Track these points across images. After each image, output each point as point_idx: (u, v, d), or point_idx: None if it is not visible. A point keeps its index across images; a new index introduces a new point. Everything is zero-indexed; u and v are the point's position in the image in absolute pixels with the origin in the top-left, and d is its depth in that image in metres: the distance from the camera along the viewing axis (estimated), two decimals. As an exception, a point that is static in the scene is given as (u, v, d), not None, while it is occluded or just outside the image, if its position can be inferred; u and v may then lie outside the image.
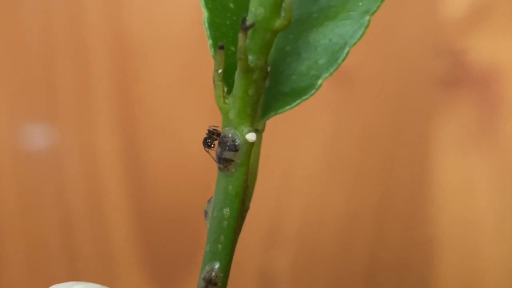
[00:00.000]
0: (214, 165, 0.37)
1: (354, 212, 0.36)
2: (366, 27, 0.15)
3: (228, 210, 0.15)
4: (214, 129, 0.15)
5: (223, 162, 0.15)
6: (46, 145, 0.38)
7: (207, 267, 0.16)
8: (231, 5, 0.16)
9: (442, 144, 0.35)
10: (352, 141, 0.36)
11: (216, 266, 0.16)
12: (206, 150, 0.15)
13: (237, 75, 0.14)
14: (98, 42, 0.37)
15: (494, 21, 0.34)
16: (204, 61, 0.36)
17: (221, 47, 0.14)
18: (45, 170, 0.38)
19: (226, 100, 0.15)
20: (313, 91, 0.15)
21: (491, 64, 0.34)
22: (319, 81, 0.15)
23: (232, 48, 0.15)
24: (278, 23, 0.14)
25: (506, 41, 0.34)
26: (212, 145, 0.15)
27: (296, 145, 0.36)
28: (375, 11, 0.15)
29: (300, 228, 0.36)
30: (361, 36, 0.15)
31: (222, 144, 0.15)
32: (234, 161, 0.15)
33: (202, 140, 0.38)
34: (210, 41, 0.15)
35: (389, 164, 0.36)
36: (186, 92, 0.37)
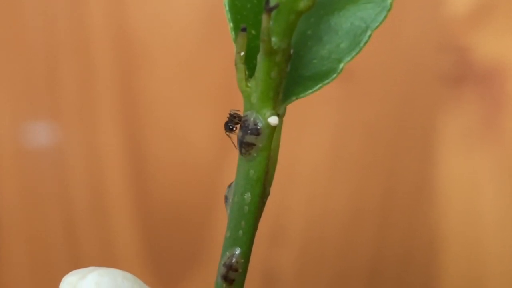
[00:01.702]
0: (218, 164, 0.37)
1: (358, 209, 0.36)
2: (389, 10, 0.15)
3: (250, 195, 0.15)
4: (235, 113, 0.15)
5: (245, 146, 0.15)
6: (49, 143, 0.38)
7: (227, 253, 0.15)
8: (252, -12, 0.15)
9: (446, 140, 0.35)
10: (356, 138, 0.36)
11: (237, 252, 0.15)
12: (227, 134, 0.15)
13: (260, 57, 0.14)
14: (100, 40, 0.37)
15: (499, 18, 0.34)
16: (208, 59, 0.36)
17: (244, 29, 0.14)
18: (48, 168, 0.38)
19: (248, 84, 0.15)
20: (334, 75, 0.15)
21: (495, 61, 0.35)
22: (341, 65, 0.15)
23: (253, 32, 0.15)
24: (303, 4, 0.14)
25: (510, 38, 0.34)
26: (233, 129, 0.15)
27: (300, 141, 0.36)
28: (397, -6, 0.15)
29: (304, 225, 0.36)
30: (383, 20, 0.15)
31: (244, 127, 0.15)
32: (256, 145, 0.15)
33: (206, 138, 0.38)
34: (231, 24, 0.15)
35: (393, 160, 0.36)
36: (190, 89, 0.37)
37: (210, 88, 0.37)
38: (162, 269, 0.37)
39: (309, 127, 0.36)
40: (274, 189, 0.37)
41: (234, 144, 0.15)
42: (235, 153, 0.15)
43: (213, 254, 0.37)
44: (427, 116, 0.35)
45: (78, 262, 0.38)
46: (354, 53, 0.15)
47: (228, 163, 0.36)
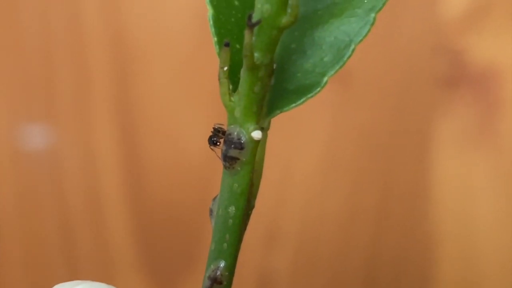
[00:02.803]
0: (213, 165, 0.37)
1: (354, 211, 0.36)
2: (372, 24, 0.15)
3: (234, 209, 0.15)
4: (219, 127, 0.15)
5: (229, 160, 0.15)
6: (44, 145, 0.38)
7: (212, 266, 0.15)
8: (236, 2, 0.16)
9: (441, 142, 0.35)
10: (351, 140, 0.36)
11: (221, 265, 0.15)
12: (211, 148, 0.15)
13: (243, 72, 0.14)
14: (96, 42, 0.37)
15: (493, 21, 0.34)
16: (203, 61, 0.37)
17: (227, 44, 0.14)
18: (44, 170, 0.38)
19: (232, 98, 0.15)
20: (318, 89, 0.15)
21: (490, 64, 0.34)
22: (325, 79, 0.15)
23: (237, 46, 0.15)
24: (285, 20, 0.14)
25: (505, 41, 0.34)
26: (217, 143, 0.15)
27: (296, 144, 0.36)
28: (380, 8, 0.15)
29: (300, 227, 0.36)
30: (366, 34, 0.15)
31: (228, 142, 0.15)
32: (240, 159, 0.15)
33: (200, 140, 0.38)
34: (215, 39, 0.15)
35: (388, 162, 0.36)
36: (185, 92, 0.37)
37: (205, 91, 0.37)
38: (158, 270, 0.38)
39: (304, 130, 0.36)
40: (270, 191, 0.38)
41: (219, 157, 0.15)
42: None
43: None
44: (422, 118, 0.35)
45: (74, 263, 0.38)
46: (337, 67, 0.15)
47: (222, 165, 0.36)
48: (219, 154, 0.15)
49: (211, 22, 0.15)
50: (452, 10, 0.34)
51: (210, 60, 0.37)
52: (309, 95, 0.15)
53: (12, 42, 0.38)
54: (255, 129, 0.15)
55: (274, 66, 0.15)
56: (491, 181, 0.35)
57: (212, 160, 0.37)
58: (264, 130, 0.15)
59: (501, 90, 0.35)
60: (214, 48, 0.15)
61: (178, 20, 0.36)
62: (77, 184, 0.38)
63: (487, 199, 0.35)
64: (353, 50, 0.15)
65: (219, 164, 0.37)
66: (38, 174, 0.38)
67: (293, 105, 0.15)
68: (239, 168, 0.15)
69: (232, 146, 0.15)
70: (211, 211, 0.16)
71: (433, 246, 0.35)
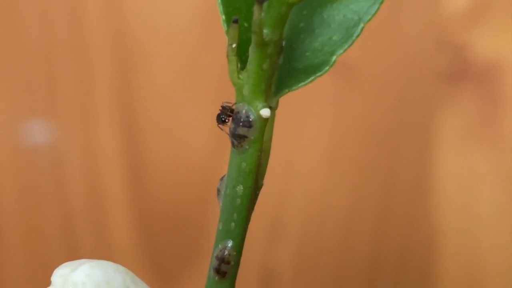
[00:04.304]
0: (216, 164, 0.37)
1: (357, 206, 0.36)
2: (381, 3, 0.15)
3: (242, 188, 0.15)
4: (227, 105, 0.15)
5: (237, 138, 0.15)
6: (46, 142, 0.38)
7: (220, 246, 0.15)
8: (245, -19, 0.15)
9: (444, 137, 0.35)
10: (354, 135, 0.36)
11: (229, 245, 0.15)
12: (219, 127, 0.15)
13: (252, 49, 0.14)
14: (98, 39, 0.37)
15: (497, 16, 0.34)
16: (205, 59, 0.36)
17: (235, 21, 0.14)
18: (46, 167, 0.38)
19: (240, 76, 0.15)
20: (327, 68, 0.15)
21: (493, 59, 0.34)
22: (333, 58, 0.15)
23: (245, 24, 0.15)
24: (294, -5, 0.14)
25: (508, 36, 0.34)
26: (226, 121, 0.15)
27: (298, 138, 0.36)
28: (389, -13, 0.15)
29: (302, 222, 0.36)
30: (375, 12, 0.15)
31: (236, 120, 0.15)
32: (248, 137, 0.15)
33: (203, 138, 0.38)
34: (223, 17, 0.15)
35: (391, 157, 0.36)
36: (187, 89, 0.37)
37: (207, 88, 0.37)
38: (159, 267, 0.38)
39: (307, 124, 0.36)
40: (272, 186, 0.38)
41: (227, 134, 0.15)
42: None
43: (210, 252, 0.37)
44: (425, 113, 0.35)
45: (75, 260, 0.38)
46: (346, 46, 0.15)
47: (225, 162, 0.36)
48: (226, 133, 0.15)
49: (219, 1, 0.15)
50: (455, 4, 0.34)
51: (212, 57, 0.37)
52: (318, 74, 0.15)
53: (14, 40, 0.38)
54: (264, 107, 0.15)
55: (283, 43, 0.15)
56: (493, 176, 0.35)
57: (214, 158, 0.37)
58: (272, 109, 0.15)
59: (504, 85, 0.35)
60: (222, 27, 0.15)
61: (180, 17, 0.36)
62: (79, 181, 0.38)
63: (489, 194, 0.35)
64: (362, 29, 0.15)
65: (222, 162, 0.37)
66: (40, 172, 0.38)
67: (302, 83, 0.15)
68: (247, 147, 0.15)
69: (241, 124, 0.15)
70: (218, 190, 0.16)
71: (436, 241, 0.35)
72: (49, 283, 0.16)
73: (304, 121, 0.36)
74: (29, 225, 0.38)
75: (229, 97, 0.34)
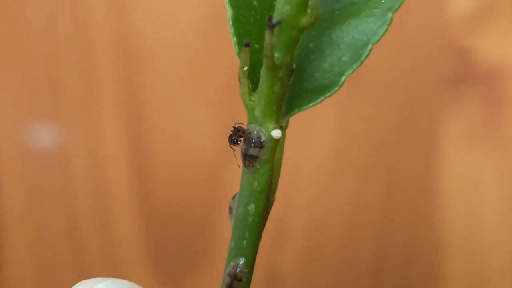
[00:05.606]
0: (221, 165, 0.37)
1: (361, 208, 0.36)
2: (389, 24, 0.15)
3: (253, 207, 0.15)
4: (239, 126, 0.15)
5: (249, 159, 0.15)
6: (52, 144, 0.38)
7: (232, 263, 0.16)
8: (255, 3, 0.16)
9: (448, 140, 0.35)
10: (359, 137, 0.36)
11: (241, 262, 0.16)
12: (231, 147, 0.16)
13: (263, 72, 0.15)
14: (103, 42, 0.37)
15: (500, 20, 0.34)
16: (211, 61, 0.37)
17: (247, 45, 0.15)
18: (52, 169, 0.38)
19: (252, 98, 0.15)
20: (336, 88, 0.15)
21: (497, 62, 0.35)
22: (342, 78, 0.15)
23: (256, 46, 0.16)
24: (305, 20, 0.14)
25: (512, 39, 0.35)
26: (238, 142, 0.15)
27: (303, 141, 0.36)
28: (397, 8, 0.15)
29: (307, 224, 0.36)
30: (384, 33, 0.15)
31: (248, 140, 0.15)
32: (260, 157, 0.15)
33: (208, 139, 0.38)
34: (235, 39, 0.15)
35: (395, 160, 0.36)
36: (192, 91, 0.37)
37: (212, 90, 0.37)
38: (165, 269, 0.38)
39: (312, 127, 0.36)
40: (278, 189, 0.38)
41: (235, 157, 0.15)
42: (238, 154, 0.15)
43: (215, 254, 0.37)
44: (429, 117, 0.36)
45: (81, 262, 0.38)
46: (355, 66, 0.15)
47: (230, 164, 0.36)
48: (237, 153, 0.15)
49: (230, 23, 0.15)
50: (459, 8, 0.34)
51: (217, 58, 0.37)
52: (327, 94, 0.15)
53: (19, 41, 0.38)
54: (275, 128, 0.15)
55: (294, 65, 0.15)
56: (497, 178, 0.35)
57: (220, 159, 0.38)
58: (283, 129, 0.15)
59: (508, 89, 0.35)
60: (234, 49, 0.16)
61: (185, 19, 0.37)
62: (84, 183, 0.38)
63: (494, 196, 0.35)
64: (370, 50, 0.15)
65: (227, 163, 0.38)
66: (46, 173, 0.38)
67: (312, 104, 0.15)
68: (258, 167, 0.15)
69: (252, 144, 0.15)
70: (230, 209, 0.16)
71: (440, 242, 0.36)
72: (55, 285, 0.16)
73: (309, 124, 0.36)
74: (35, 227, 0.38)
75: (234, 99, 0.35)
